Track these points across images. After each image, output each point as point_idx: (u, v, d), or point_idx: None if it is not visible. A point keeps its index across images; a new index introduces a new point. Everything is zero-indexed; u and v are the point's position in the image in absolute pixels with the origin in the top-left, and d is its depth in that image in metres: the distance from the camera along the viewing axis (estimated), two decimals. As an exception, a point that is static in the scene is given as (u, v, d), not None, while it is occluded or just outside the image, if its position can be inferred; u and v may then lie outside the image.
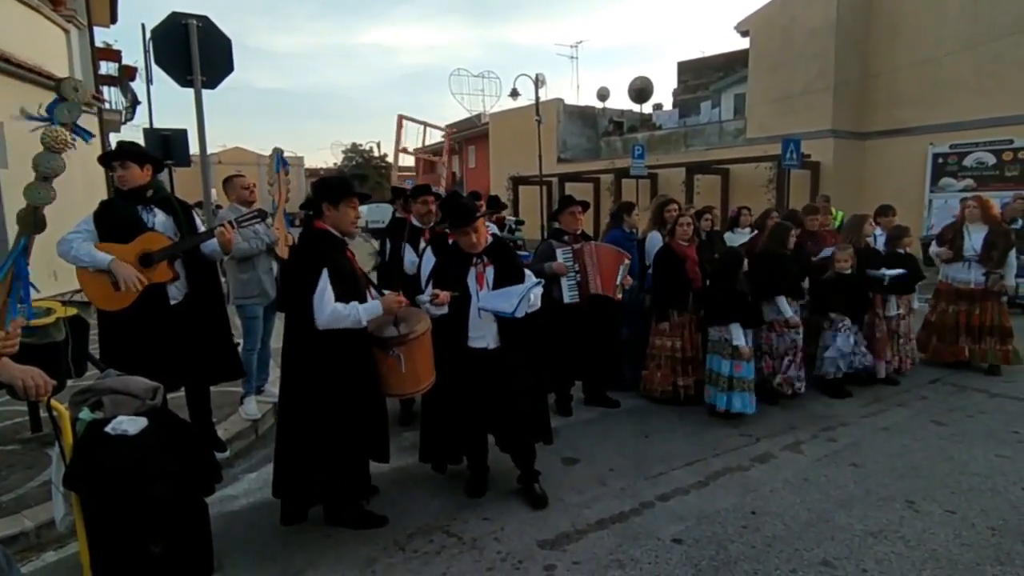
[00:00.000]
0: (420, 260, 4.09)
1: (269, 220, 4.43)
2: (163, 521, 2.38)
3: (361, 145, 47.17)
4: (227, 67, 5.25)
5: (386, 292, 3.22)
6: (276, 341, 4.20)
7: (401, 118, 31.01)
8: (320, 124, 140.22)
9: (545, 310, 4.32)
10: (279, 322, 3.77)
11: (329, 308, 2.81)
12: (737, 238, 6.38)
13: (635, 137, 21.01)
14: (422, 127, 31.75)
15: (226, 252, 3.76)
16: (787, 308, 4.89)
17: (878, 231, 6.01)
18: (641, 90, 22.83)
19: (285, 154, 4.32)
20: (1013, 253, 5.75)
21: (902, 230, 5.75)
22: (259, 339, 4.62)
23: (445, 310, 3.18)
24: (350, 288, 2.92)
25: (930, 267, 6.78)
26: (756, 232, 6.32)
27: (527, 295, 3.18)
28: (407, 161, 34.21)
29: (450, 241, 3.58)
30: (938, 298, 6.04)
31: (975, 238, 5.71)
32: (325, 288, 2.82)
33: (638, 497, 3.46)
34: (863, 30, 15.10)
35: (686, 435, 4.42)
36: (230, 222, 3.70)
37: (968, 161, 13.74)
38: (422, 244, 4.40)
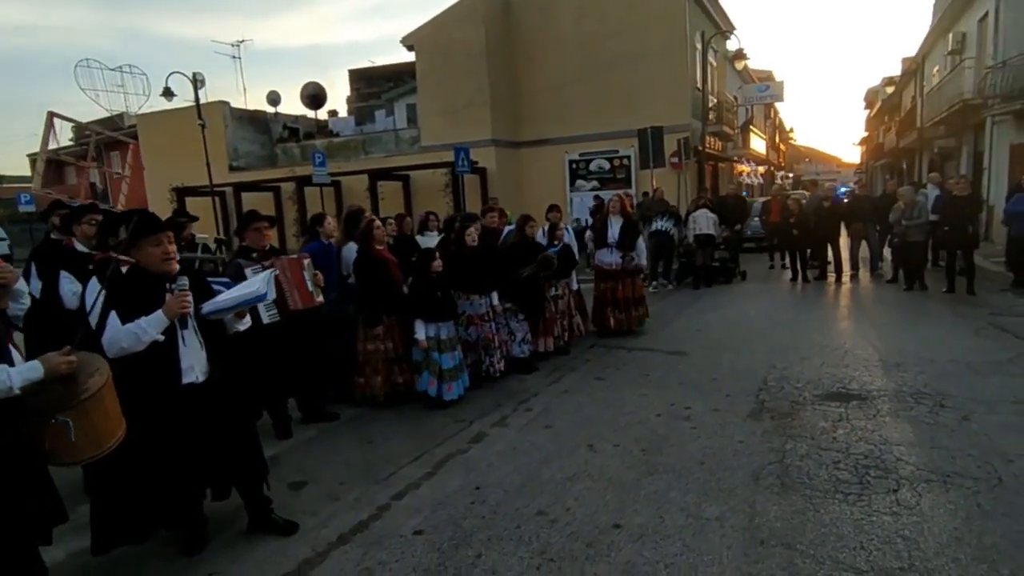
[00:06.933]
0: (84, 290, 3.38)
1: None
2: None
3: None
4: None
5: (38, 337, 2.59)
6: None
7: (51, 115, 25.27)
8: None
9: (248, 333, 4.03)
10: None
11: None
12: (428, 240, 6.88)
13: (313, 144, 20.49)
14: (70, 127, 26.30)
15: None
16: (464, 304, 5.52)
17: (547, 225, 7.17)
18: (315, 96, 22.32)
19: None
20: (641, 239, 7.49)
21: (554, 226, 6.97)
22: None
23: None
24: None
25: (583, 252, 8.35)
26: (443, 235, 6.93)
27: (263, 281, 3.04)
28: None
29: (123, 269, 3.06)
30: (596, 278, 7.60)
31: (615, 228, 7.24)
32: None
33: (374, 502, 3.52)
34: (508, 55, 17.56)
35: (407, 432, 4.64)
36: None
37: (592, 167, 17.54)
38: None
